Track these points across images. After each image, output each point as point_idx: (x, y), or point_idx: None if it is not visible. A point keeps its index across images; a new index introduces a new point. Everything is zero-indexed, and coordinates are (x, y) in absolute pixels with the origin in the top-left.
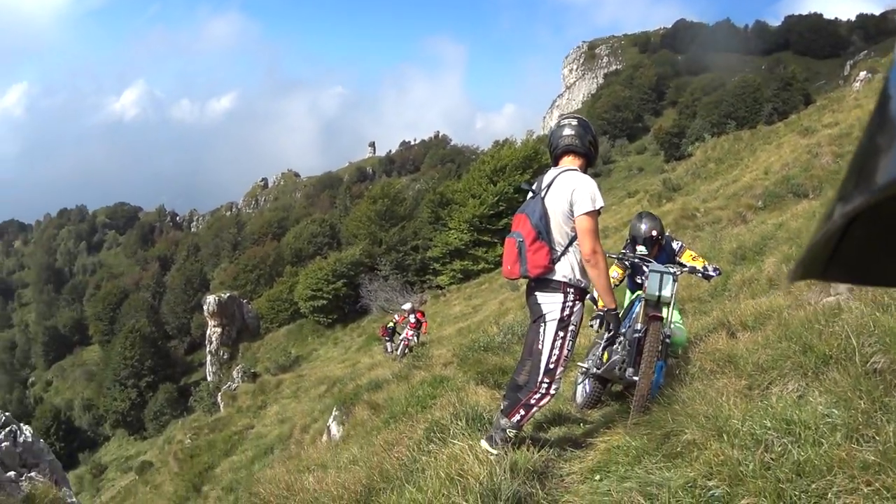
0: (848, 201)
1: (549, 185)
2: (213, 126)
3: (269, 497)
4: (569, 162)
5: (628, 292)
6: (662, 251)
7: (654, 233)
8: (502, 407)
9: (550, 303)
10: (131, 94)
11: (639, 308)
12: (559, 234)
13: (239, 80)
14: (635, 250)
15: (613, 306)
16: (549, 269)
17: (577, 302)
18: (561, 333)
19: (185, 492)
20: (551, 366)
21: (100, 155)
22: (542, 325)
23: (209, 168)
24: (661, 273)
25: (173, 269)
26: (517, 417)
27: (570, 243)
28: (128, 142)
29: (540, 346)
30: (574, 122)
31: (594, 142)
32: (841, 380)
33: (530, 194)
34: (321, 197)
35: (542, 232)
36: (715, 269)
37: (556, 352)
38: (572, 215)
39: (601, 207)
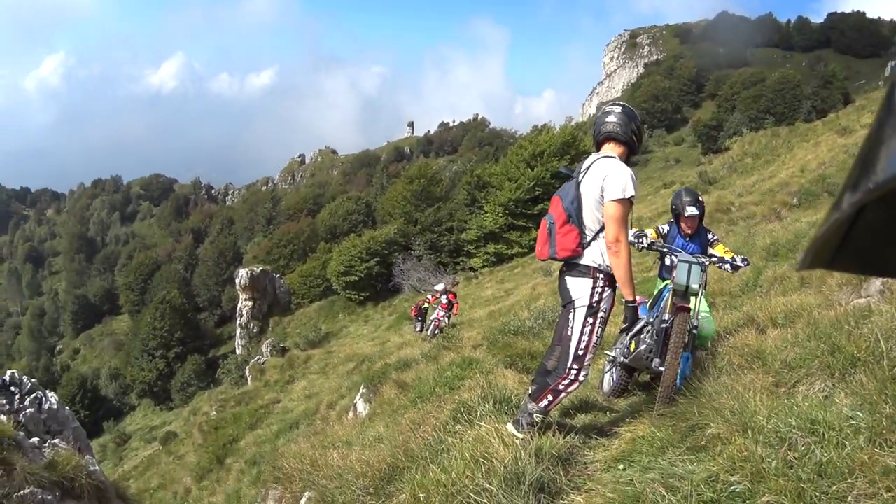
0: (857, 191)
1: (586, 170)
2: (251, 101)
3: (293, 471)
4: (609, 149)
5: (658, 280)
6: (697, 236)
7: (696, 211)
8: (530, 391)
9: (580, 287)
10: (170, 66)
11: (667, 297)
12: (590, 219)
13: (278, 56)
14: (677, 219)
15: (632, 298)
16: (578, 252)
17: (605, 288)
18: (590, 320)
19: (208, 463)
20: (580, 352)
21: (136, 126)
22: (572, 311)
23: (247, 143)
24: (690, 263)
25: (207, 242)
26: (545, 402)
27: (602, 229)
28: (165, 114)
29: (569, 333)
30: (618, 110)
31: (637, 131)
32: (868, 383)
33: (568, 179)
34: (358, 175)
35: (573, 215)
36: (744, 260)
37: (584, 338)
38: (603, 201)
39: (632, 197)
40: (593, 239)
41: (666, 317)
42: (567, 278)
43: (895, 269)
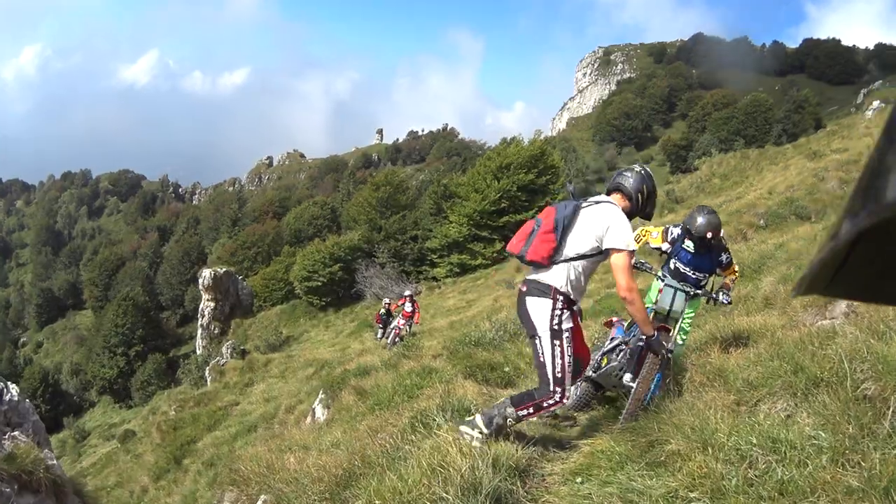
0: (855, 218)
1: (593, 203)
2: (223, 100)
3: (249, 474)
4: (615, 198)
5: (655, 281)
6: (709, 254)
7: (709, 235)
8: (513, 395)
9: (539, 310)
10: (145, 62)
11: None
12: (573, 244)
13: (255, 57)
14: (685, 240)
15: (653, 334)
16: (545, 263)
17: (564, 310)
18: (556, 342)
19: (165, 463)
20: (558, 374)
21: (109, 121)
22: (538, 340)
23: (217, 142)
24: (676, 290)
25: (172, 241)
26: (524, 412)
27: (577, 259)
28: (137, 110)
29: (542, 359)
30: (638, 169)
31: (646, 193)
32: (830, 403)
33: (570, 197)
34: (325, 179)
35: (559, 228)
36: (727, 297)
37: (558, 361)
38: (597, 241)
39: (633, 251)
40: (565, 261)
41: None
42: (527, 300)
43: (889, 298)
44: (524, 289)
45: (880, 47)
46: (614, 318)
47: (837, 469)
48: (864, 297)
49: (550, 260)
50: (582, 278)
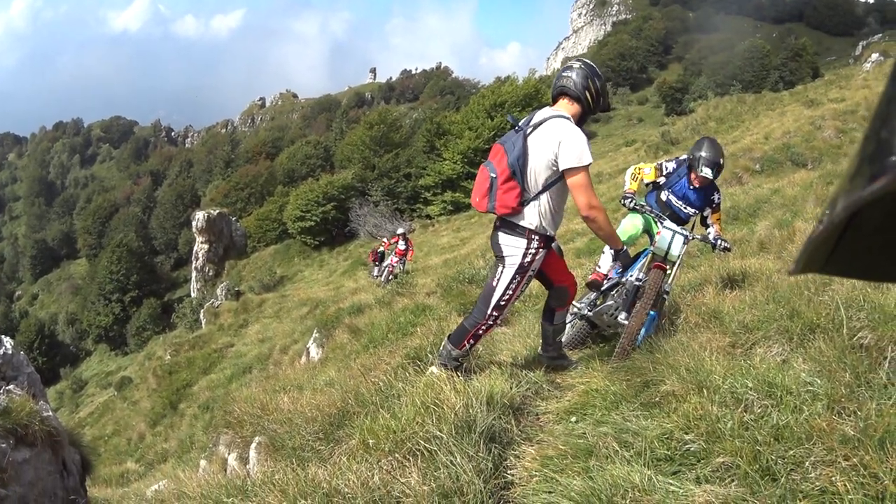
0: (851, 194)
1: (535, 126)
2: (217, 43)
3: (244, 416)
4: (563, 106)
5: (632, 214)
6: (702, 189)
7: (721, 161)
8: (450, 336)
9: (513, 246)
10: (135, 8)
11: (644, 260)
12: (534, 178)
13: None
14: (689, 167)
15: (621, 247)
16: (518, 210)
17: (539, 250)
18: (517, 278)
19: (161, 409)
20: (502, 303)
21: (100, 69)
22: (502, 267)
23: (210, 85)
24: (675, 233)
25: (165, 185)
26: (467, 346)
27: (543, 191)
28: (129, 56)
29: (494, 284)
30: (577, 65)
31: (595, 90)
32: (826, 350)
33: (515, 129)
34: (318, 119)
35: (517, 172)
36: (724, 247)
37: (509, 292)
38: (553, 165)
39: (588, 164)
40: (534, 199)
41: (641, 275)
42: (501, 234)
43: (888, 275)
44: (498, 223)
45: (881, 1)
46: (600, 274)
47: (833, 417)
48: (861, 275)
49: (521, 204)
50: (554, 207)
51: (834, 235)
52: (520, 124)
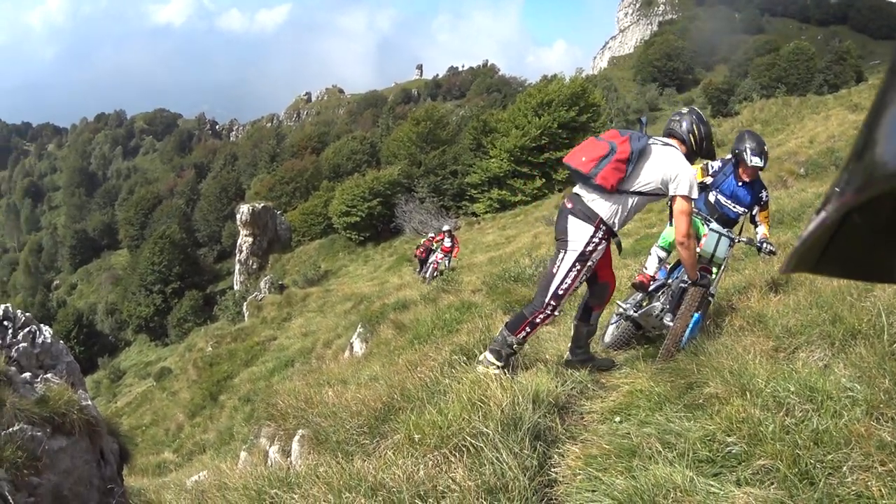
0: (844, 194)
1: (659, 142)
2: (262, 38)
3: (287, 409)
4: (675, 144)
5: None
6: (751, 185)
7: (766, 148)
8: (507, 323)
9: (578, 232)
10: (180, 1)
11: None
12: (638, 179)
13: None
14: (736, 163)
15: (697, 278)
16: (611, 190)
17: (603, 241)
18: (578, 266)
19: (201, 400)
20: (560, 291)
21: (142, 63)
22: (564, 251)
23: (255, 80)
24: (720, 234)
25: (209, 177)
26: (523, 334)
27: (635, 193)
28: (172, 50)
29: (555, 270)
30: (686, 111)
31: (699, 136)
32: (867, 355)
33: (641, 129)
34: (364, 115)
35: (633, 160)
36: (770, 250)
37: (568, 280)
38: (663, 183)
39: (695, 199)
40: (624, 193)
41: (686, 278)
42: (570, 217)
43: (878, 275)
44: (569, 205)
45: None
46: (646, 275)
47: (872, 422)
48: (852, 275)
49: (615, 188)
50: (632, 210)
51: (826, 236)
52: (645, 126)
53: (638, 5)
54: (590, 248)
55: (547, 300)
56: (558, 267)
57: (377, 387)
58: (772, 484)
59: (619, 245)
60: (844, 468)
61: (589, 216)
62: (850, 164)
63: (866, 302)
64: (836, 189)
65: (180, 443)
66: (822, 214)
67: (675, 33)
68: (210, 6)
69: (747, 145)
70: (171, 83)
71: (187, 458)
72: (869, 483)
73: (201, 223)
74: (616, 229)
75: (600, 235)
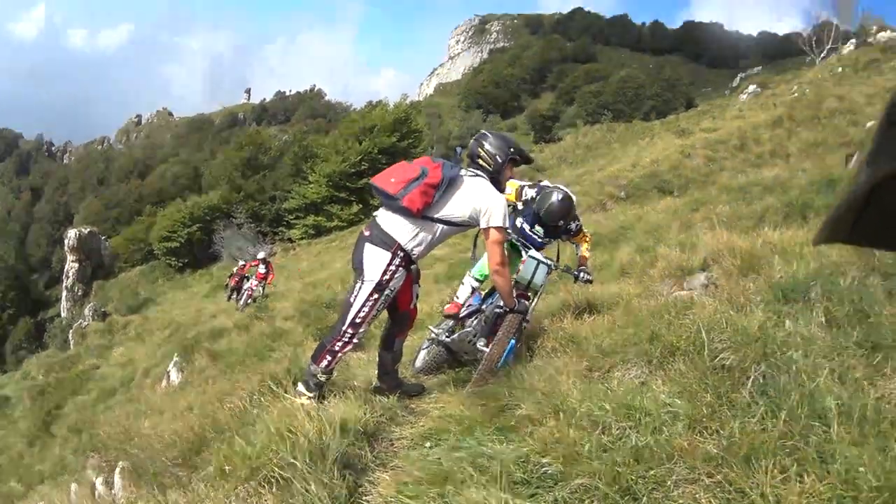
0: (875, 166)
1: (471, 173)
2: (103, 57)
3: (108, 440)
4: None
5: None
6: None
7: (561, 222)
8: (312, 354)
9: (375, 260)
10: (32, 16)
11: None
12: (445, 207)
13: (135, 12)
14: (534, 220)
15: (514, 305)
16: (416, 215)
17: (400, 268)
18: (375, 295)
19: (35, 430)
20: (357, 320)
21: None
22: (361, 282)
23: (95, 100)
24: (539, 262)
25: (42, 201)
26: (325, 363)
27: (441, 222)
28: (24, 66)
29: (352, 300)
30: (475, 136)
31: (486, 153)
32: (687, 371)
33: (456, 158)
34: (190, 138)
35: (442, 188)
36: (586, 279)
37: (365, 309)
38: (474, 215)
39: (506, 228)
40: (429, 220)
41: (502, 303)
42: (367, 245)
43: None
44: (367, 233)
45: (763, 35)
46: (457, 304)
47: (695, 436)
48: (883, 245)
49: (420, 213)
50: (435, 241)
51: (858, 205)
52: (458, 157)
53: (471, 33)
54: (386, 276)
55: (344, 328)
56: (355, 297)
57: (191, 418)
58: (592, 502)
59: (417, 273)
60: (669, 482)
61: (387, 242)
62: (881, 137)
63: (685, 320)
64: (868, 161)
65: (22, 472)
66: (854, 186)
67: (505, 61)
68: (59, 22)
69: (548, 206)
70: (15, 101)
71: (30, 489)
72: (697, 495)
73: (34, 247)
74: (415, 257)
75: (397, 262)
